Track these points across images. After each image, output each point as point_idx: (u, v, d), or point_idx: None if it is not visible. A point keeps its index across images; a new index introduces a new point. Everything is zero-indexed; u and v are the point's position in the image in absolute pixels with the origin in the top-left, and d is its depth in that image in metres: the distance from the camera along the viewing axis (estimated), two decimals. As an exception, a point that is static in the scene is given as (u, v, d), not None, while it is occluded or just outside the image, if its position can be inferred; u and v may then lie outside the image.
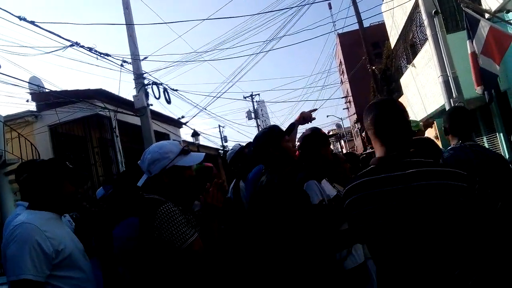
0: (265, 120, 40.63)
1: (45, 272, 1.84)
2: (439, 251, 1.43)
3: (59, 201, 2.12)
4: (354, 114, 39.42)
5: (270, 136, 2.59)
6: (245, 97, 33.38)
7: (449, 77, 7.21)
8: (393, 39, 15.75)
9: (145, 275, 1.94)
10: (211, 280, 1.93)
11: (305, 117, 3.04)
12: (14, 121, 11.37)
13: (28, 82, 11.13)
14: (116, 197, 2.73)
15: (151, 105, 11.12)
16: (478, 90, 6.41)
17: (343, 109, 48.00)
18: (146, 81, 10.84)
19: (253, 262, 2.41)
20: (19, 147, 9.73)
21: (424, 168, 1.50)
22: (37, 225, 1.90)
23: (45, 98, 11.69)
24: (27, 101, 11.97)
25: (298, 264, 2.17)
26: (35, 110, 12.13)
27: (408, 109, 14.44)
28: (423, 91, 12.08)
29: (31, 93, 11.77)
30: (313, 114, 3.09)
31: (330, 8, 37.44)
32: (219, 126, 27.63)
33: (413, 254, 1.46)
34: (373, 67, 18.05)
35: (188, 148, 2.19)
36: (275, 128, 2.69)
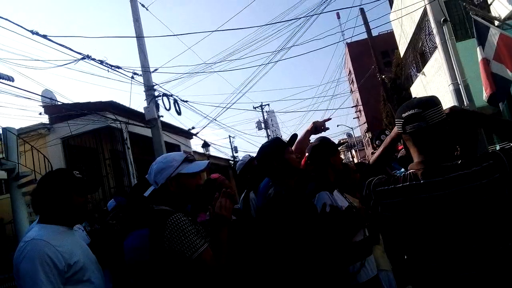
0: (275, 130, 40.62)
1: (60, 287, 1.84)
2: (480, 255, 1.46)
3: (68, 213, 2.09)
4: (364, 123, 39.23)
5: (272, 149, 2.57)
6: (255, 108, 33.46)
7: (460, 85, 7.17)
8: (402, 48, 15.73)
9: (156, 286, 1.94)
10: None
11: (318, 127, 3.01)
12: (27, 134, 11.53)
13: (41, 95, 11.30)
14: (128, 209, 2.74)
15: (162, 116, 11.22)
16: (485, 97, 6.35)
17: (354, 118, 47.83)
18: (156, 93, 10.94)
19: (264, 274, 2.39)
20: (32, 159, 9.85)
21: (460, 171, 1.51)
22: (47, 240, 1.88)
23: (58, 111, 11.85)
24: (40, 114, 12.16)
25: (310, 277, 2.15)
26: (48, 122, 12.31)
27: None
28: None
29: (43, 106, 11.94)
30: (326, 124, 3.05)
31: (339, 17, 37.65)
32: (229, 136, 27.68)
33: (455, 263, 1.50)
34: (383, 76, 18.01)
35: (192, 156, 2.17)
36: (277, 140, 2.68)
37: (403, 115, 1.67)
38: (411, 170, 1.64)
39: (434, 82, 11.75)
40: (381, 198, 1.68)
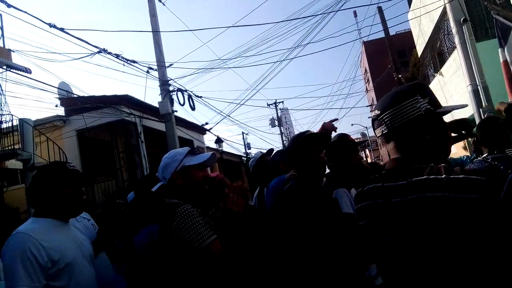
0: (288, 128, 40.54)
1: (42, 282, 1.78)
2: (449, 277, 1.14)
3: (61, 206, 2.04)
4: (379, 122, 38.84)
5: (299, 145, 2.50)
6: (269, 105, 33.42)
7: (479, 86, 7.04)
8: (420, 47, 15.53)
9: (165, 279, 1.92)
10: (230, 283, 1.88)
11: (327, 128, 2.94)
12: (43, 126, 11.71)
13: (57, 88, 11.44)
14: (137, 203, 2.73)
15: (176, 111, 11.27)
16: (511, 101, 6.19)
17: (368, 117, 47.48)
18: (171, 88, 10.98)
19: (276, 272, 2.36)
20: (48, 151, 9.99)
21: (428, 176, 1.19)
22: (32, 235, 1.83)
23: (73, 103, 11.99)
24: (56, 106, 12.35)
25: (324, 275, 2.11)
26: (64, 115, 12.46)
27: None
28: (451, 100, 11.83)
29: (59, 98, 12.09)
30: (335, 124, 2.99)
31: (356, 16, 37.14)
32: (243, 133, 27.62)
33: (419, 278, 1.20)
34: (399, 76, 17.79)
35: (196, 149, 2.18)
36: (305, 137, 2.58)
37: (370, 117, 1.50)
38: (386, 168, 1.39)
39: (451, 83, 11.57)
40: (355, 202, 1.48)
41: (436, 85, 13.61)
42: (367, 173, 3.25)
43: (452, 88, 11.57)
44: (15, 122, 9.86)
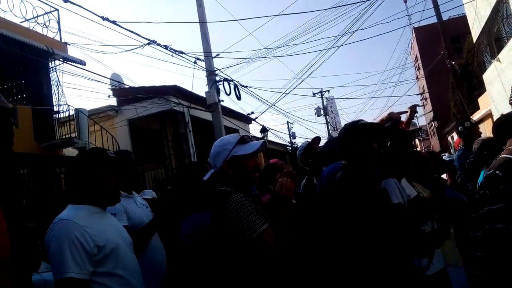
0: (334, 117, 39.92)
1: (89, 269, 1.77)
2: None
3: (100, 193, 2.00)
4: (430, 111, 37.49)
5: (348, 134, 2.44)
6: (314, 94, 33.02)
7: (541, 73, 6.60)
8: (475, 33, 14.73)
9: (216, 266, 1.95)
10: (282, 273, 1.89)
11: (393, 118, 2.79)
12: (97, 115, 12.24)
13: (110, 79, 11.88)
14: (185, 190, 2.73)
15: (222, 101, 11.38)
16: None
17: (419, 106, 45.72)
18: (217, 78, 11.10)
19: (323, 262, 2.35)
20: (101, 139, 10.43)
21: None
22: (75, 221, 1.81)
23: (125, 94, 12.44)
24: (109, 96, 12.84)
25: (373, 265, 2.08)
26: (116, 105, 12.95)
27: (492, 107, 13.50)
28: (509, 88, 11.18)
29: (112, 89, 12.56)
30: (402, 117, 2.82)
31: (405, 1, 35.77)
32: (288, 122, 27.47)
33: None
34: (453, 62, 16.98)
35: (248, 137, 2.14)
36: (357, 126, 2.51)
37: None
38: None
39: (510, 69, 10.92)
40: None
41: (492, 72, 12.91)
42: (425, 162, 3.14)
43: (510, 74, 10.93)
44: (71, 112, 10.33)
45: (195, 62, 10.91)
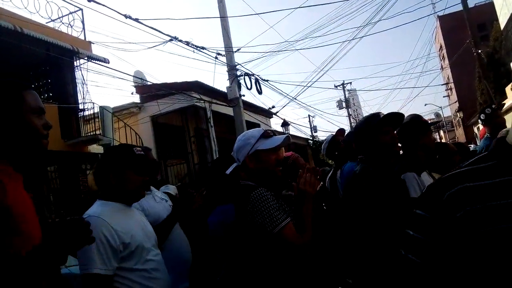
0: (356, 110, 39.50)
1: (114, 265, 1.82)
2: None
3: (125, 190, 2.03)
4: (455, 102, 36.72)
5: (366, 127, 2.43)
6: (336, 86, 32.69)
7: None
8: (503, 19, 14.32)
9: (240, 260, 1.98)
10: (305, 268, 1.90)
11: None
12: (120, 112, 12.49)
13: (133, 76, 12.06)
14: (211, 184, 2.79)
15: (243, 95, 11.39)
16: None
17: (443, 97, 44.82)
18: (238, 72, 11.11)
19: (347, 252, 2.35)
20: (125, 136, 10.64)
21: None
22: (103, 218, 1.85)
23: (148, 91, 12.62)
24: (132, 93, 13.06)
25: (392, 258, 2.07)
26: (139, 101, 13.16)
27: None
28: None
29: (135, 86, 12.77)
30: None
31: (430, -11, 34.96)
32: (309, 116, 27.38)
33: None
34: (479, 51, 16.53)
35: (271, 132, 2.14)
36: (372, 118, 2.49)
37: None
38: None
39: (539, 57, 10.58)
40: None
41: (520, 60, 12.53)
42: (451, 154, 3.09)
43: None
44: (96, 110, 10.56)
45: (216, 57, 10.95)
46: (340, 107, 33.90)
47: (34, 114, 1.50)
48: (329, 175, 3.59)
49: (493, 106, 4.48)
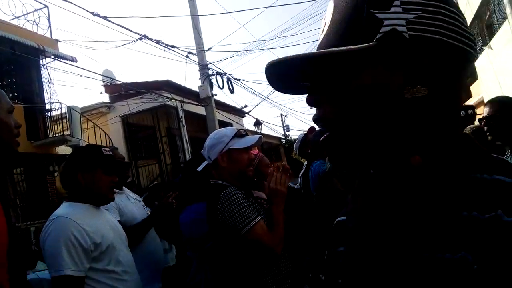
0: (328, 108, 39.83)
1: (85, 266, 1.77)
2: None
3: (93, 192, 1.98)
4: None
5: None
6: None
7: (532, 59, 6.63)
8: (466, 20, 14.77)
9: (213, 258, 1.96)
10: (274, 267, 1.89)
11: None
12: (89, 112, 12.20)
13: (102, 75, 11.80)
14: (183, 184, 2.78)
15: (215, 95, 11.34)
16: None
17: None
18: (210, 72, 11.04)
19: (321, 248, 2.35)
20: (95, 136, 10.40)
21: None
22: (72, 218, 1.80)
23: (117, 90, 12.36)
24: (101, 93, 12.80)
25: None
26: (108, 101, 12.89)
27: (484, 95, 13.56)
28: (501, 75, 11.22)
29: (104, 85, 12.50)
30: None
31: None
32: (281, 115, 27.47)
33: None
34: (444, 50, 17.01)
35: (243, 131, 2.15)
36: None
37: None
38: None
39: (501, 56, 10.96)
40: None
41: (484, 59, 12.96)
42: None
43: (502, 61, 10.96)
44: (64, 110, 10.28)
45: (187, 56, 10.84)
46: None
47: (9, 113, 1.46)
48: (301, 172, 3.62)
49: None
